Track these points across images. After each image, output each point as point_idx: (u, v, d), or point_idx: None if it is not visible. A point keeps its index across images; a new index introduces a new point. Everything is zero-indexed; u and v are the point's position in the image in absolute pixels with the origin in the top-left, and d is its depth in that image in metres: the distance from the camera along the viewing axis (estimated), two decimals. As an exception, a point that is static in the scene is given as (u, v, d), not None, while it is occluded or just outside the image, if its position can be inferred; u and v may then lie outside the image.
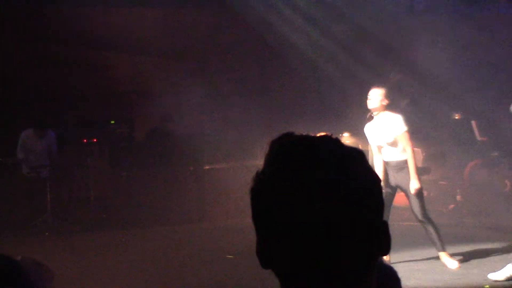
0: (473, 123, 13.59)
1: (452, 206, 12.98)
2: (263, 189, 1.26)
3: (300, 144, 1.27)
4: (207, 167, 12.92)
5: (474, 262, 8.06)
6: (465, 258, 8.22)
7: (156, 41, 14.16)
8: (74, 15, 13.37)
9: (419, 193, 7.81)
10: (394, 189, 8.08)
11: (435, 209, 12.93)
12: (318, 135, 1.31)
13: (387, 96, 7.92)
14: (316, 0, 14.67)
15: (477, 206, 12.70)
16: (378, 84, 8.18)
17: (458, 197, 13.27)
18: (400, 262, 7.93)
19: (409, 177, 7.82)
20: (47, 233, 11.44)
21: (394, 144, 7.88)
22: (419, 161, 12.64)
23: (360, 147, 12.03)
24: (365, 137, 8.39)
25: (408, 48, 14.49)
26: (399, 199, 8.69)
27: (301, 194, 1.21)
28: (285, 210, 1.22)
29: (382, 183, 6.62)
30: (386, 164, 8.07)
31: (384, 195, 1.30)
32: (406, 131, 7.84)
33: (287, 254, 1.23)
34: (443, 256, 7.86)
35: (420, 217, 7.83)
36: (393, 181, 8.03)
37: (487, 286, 6.77)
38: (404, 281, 6.06)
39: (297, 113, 13.70)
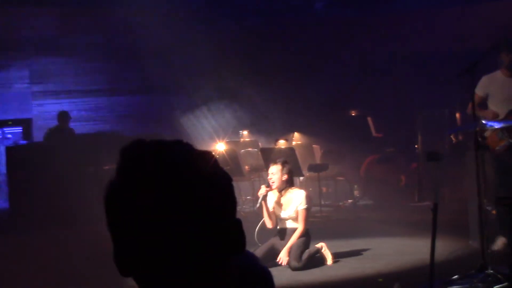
0: (369, 119, 13.95)
1: (349, 201, 13.31)
2: (115, 198, 1.28)
3: (149, 151, 1.29)
4: (107, 167, 12.73)
5: (368, 256, 8.28)
6: (361, 251, 8.45)
7: (57, 39, 13.90)
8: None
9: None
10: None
11: (333, 204, 13.25)
12: (170, 140, 1.33)
13: (287, 170, 7.89)
14: None
15: (373, 201, 13.07)
16: (277, 160, 8.06)
17: (356, 192, 13.63)
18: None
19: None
20: None
21: (294, 218, 7.92)
22: (317, 158, 12.91)
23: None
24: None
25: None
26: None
27: (149, 199, 1.24)
28: (136, 216, 1.25)
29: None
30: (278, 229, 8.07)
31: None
32: (305, 209, 7.84)
33: (140, 258, 1.26)
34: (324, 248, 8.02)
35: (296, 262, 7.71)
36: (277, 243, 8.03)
37: (381, 279, 6.95)
38: (300, 277, 6.09)
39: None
